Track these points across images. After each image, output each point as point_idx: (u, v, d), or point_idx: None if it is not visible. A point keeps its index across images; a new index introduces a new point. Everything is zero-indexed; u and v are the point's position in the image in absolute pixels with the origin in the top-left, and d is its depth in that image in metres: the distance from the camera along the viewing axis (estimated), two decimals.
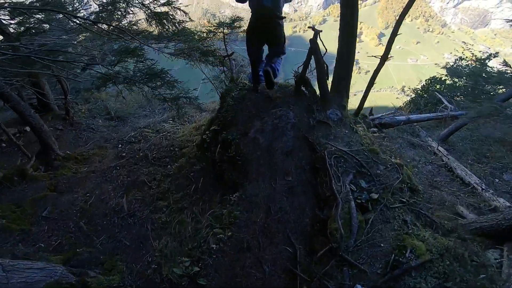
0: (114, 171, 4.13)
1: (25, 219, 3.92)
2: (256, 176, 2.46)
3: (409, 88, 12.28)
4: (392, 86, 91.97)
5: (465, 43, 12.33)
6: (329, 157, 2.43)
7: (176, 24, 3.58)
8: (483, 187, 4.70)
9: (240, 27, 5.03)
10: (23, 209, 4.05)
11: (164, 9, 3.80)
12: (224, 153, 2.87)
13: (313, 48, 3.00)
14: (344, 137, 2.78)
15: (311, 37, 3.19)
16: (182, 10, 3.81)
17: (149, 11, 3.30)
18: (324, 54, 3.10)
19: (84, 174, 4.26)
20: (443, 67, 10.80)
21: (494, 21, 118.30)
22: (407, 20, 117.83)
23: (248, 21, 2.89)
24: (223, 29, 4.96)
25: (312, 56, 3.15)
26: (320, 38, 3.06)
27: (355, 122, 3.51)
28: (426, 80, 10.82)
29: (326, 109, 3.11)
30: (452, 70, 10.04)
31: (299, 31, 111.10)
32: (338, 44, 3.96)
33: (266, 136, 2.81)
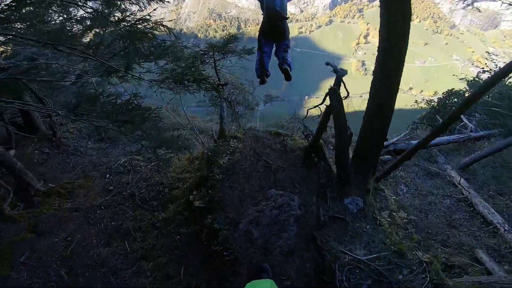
0: (98, 211, 3.69)
1: (3, 263, 3.58)
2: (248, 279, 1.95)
3: (423, 100, 11.56)
4: (399, 88, 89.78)
5: (489, 53, 11.53)
6: (341, 270, 1.91)
7: (156, 46, 2.96)
8: (505, 228, 4.27)
9: (234, 51, 4.28)
10: (0, 252, 3.70)
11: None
12: (211, 240, 2.34)
13: (335, 108, 2.32)
14: (363, 236, 2.23)
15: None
16: (165, 26, 3.16)
17: (119, 31, 2.66)
18: (345, 97, 2.48)
19: (66, 213, 3.84)
20: (462, 79, 10.07)
21: (504, 23, 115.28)
22: (415, 21, 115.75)
23: (261, 22, 3.40)
24: (213, 54, 4.26)
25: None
26: (344, 84, 2.43)
27: (376, 191, 2.86)
28: (443, 93, 10.10)
29: (344, 195, 2.43)
30: (474, 84, 9.30)
31: (305, 32, 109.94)
32: (371, 91, 2.56)
33: (262, 230, 2.24)
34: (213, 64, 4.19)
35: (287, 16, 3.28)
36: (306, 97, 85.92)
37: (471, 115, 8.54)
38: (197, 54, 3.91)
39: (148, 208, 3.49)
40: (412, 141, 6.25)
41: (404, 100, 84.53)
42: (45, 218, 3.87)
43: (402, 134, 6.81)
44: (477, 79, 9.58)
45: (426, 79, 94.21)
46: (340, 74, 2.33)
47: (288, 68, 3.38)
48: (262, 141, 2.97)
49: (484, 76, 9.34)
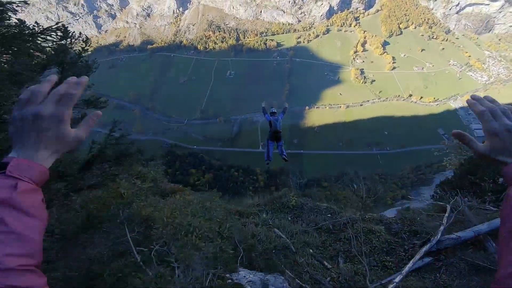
0: None
1: None
2: None
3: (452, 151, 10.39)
4: (399, 95, 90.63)
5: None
6: None
7: None
8: None
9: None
10: None
11: None
12: None
13: None
14: None
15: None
16: None
17: None
18: None
19: None
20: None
21: (498, 26, 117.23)
22: (410, 27, 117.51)
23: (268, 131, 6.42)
24: None
25: None
26: None
27: None
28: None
29: None
30: None
31: (303, 42, 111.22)
32: None
33: None
34: None
35: (281, 130, 6.33)
36: (307, 107, 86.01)
37: None
38: None
39: None
40: (463, 233, 4.82)
41: (405, 108, 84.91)
42: None
43: (445, 219, 5.20)
44: None
45: (425, 85, 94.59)
46: None
47: (285, 157, 6.41)
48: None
49: None
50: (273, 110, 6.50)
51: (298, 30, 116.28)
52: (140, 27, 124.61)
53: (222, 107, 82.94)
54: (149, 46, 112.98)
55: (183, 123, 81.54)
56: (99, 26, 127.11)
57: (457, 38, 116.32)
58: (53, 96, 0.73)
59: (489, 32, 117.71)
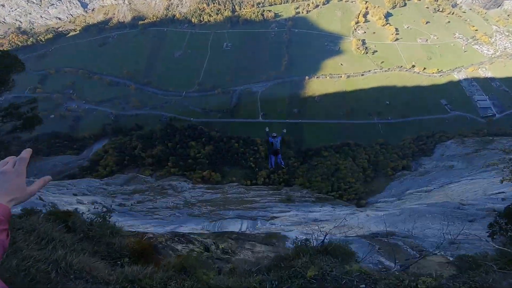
0: None
1: None
2: None
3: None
4: (401, 66, 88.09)
5: None
6: None
7: None
8: None
9: None
10: None
11: None
12: None
13: None
14: None
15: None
16: None
17: None
18: None
19: None
20: None
21: (508, 2, 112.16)
22: None
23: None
24: None
25: None
26: None
27: None
28: None
29: None
30: None
31: (302, 12, 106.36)
32: None
33: None
34: None
35: (279, 149, 9.17)
36: (306, 77, 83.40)
37: None
38: None
39: None
40: None
41: (407, 78, 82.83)
42: None
43: None
44: None
45: (429, 56, 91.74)
46: None
47: (283, 166, 9.73)
48: None
49: None
50: (274, 135, 9.11)
51: (297, 0, 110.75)
52: (130, 3, 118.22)
53: (220, 79, 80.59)
54: (141, 22, 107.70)
55: (181, 96, 79.44)
56: (84, 5, 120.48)
57: (464, 12, 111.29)
58: (12, 161, 1.18)
59: (498, 7, 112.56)
